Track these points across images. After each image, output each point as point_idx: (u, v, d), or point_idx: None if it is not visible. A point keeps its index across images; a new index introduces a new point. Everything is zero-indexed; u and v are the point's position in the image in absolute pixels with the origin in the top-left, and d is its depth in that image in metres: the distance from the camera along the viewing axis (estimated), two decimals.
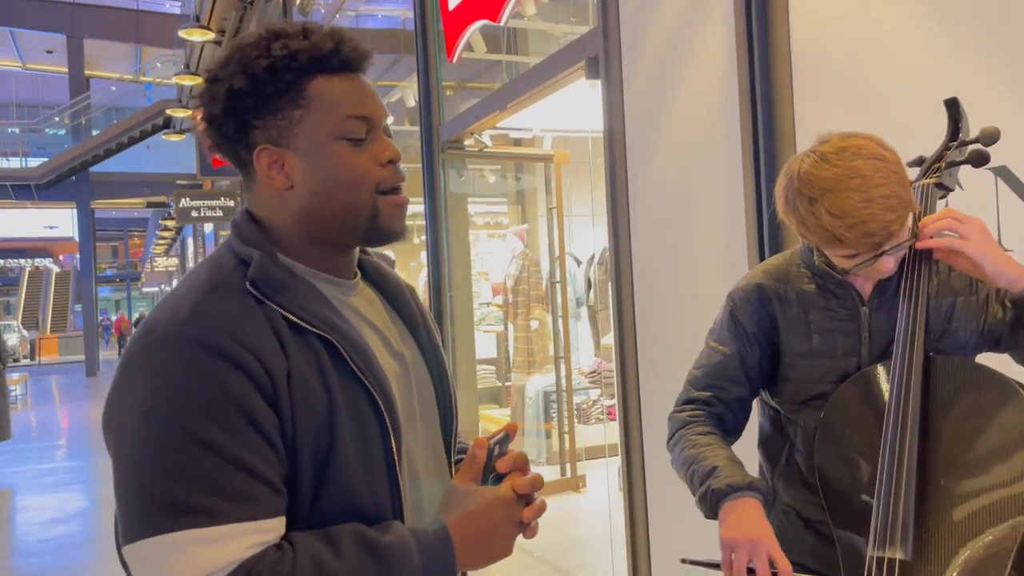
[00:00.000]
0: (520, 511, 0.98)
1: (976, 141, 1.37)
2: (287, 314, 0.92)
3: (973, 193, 1.67)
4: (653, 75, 2.64)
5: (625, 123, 2.77)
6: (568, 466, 5.42)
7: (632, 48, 2.73)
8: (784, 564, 1.23)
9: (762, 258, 2.13)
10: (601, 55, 2.84)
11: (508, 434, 1.03)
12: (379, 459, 0.95)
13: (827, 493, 1.37)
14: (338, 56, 0.99)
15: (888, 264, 1.30)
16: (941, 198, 1.38)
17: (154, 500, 0.83)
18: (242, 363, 0.87)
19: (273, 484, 0.87)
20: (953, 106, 1.40)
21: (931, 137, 1.72)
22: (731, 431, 1.52)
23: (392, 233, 1.01)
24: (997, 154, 1.62)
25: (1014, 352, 1.36)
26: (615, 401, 6.00)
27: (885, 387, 1.31)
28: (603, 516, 3.98)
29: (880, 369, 1.35)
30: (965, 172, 1.63)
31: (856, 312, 1.39)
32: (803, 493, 1.46)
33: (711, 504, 1.32)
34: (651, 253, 2.71)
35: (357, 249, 1.08)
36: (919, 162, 1.43)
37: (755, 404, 1.57)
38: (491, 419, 6.24)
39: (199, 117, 1.00)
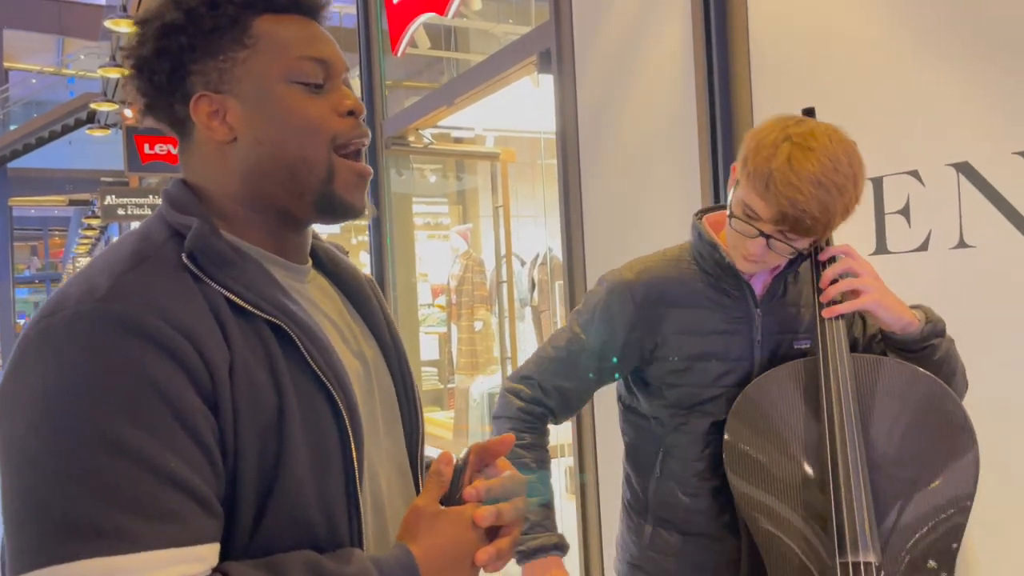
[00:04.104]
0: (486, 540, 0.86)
1: None
2: (231, 295, 0.78)
3: (934, 188, 1.67)
4: (607, 70, 2.60)
5: (578, 118, 2.73)
6: None
7: (585, 42, 2.69)
8: None
9: None
10: (554, 49, 2.79)
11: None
12: (336, 472, 0.81)
13: (743, 499, 1.32)
14: None
15: (756, 248, 1.27)
16: None
17: (51, 520, 0.66)
18: (173, 349, 0.71)
19: (206, 501, 0.71)
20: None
21: (891, 129, 1.72)
22: (560, 417, 1.47)
23: (349, 206, 0.87)
24: (959, 150, 1.62)
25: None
26: None
27: (801, 388, 1.33)
28: None
29: (789, 369, 1.35)
30: (931, 168, 1.65)
31: (750, 314, 1.38)
32: (682, 503, 1.42)
33: (519, 561, 1.40)
34: (605, 252, 2.67)
35: (311, 232, 0.95)
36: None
37: (617, 416, 1.54)
38: (434, 422, 6.14)
39: (127, 71, 0.86)
